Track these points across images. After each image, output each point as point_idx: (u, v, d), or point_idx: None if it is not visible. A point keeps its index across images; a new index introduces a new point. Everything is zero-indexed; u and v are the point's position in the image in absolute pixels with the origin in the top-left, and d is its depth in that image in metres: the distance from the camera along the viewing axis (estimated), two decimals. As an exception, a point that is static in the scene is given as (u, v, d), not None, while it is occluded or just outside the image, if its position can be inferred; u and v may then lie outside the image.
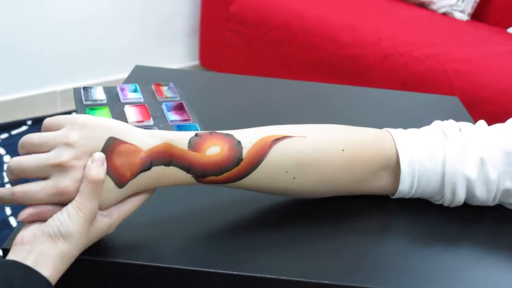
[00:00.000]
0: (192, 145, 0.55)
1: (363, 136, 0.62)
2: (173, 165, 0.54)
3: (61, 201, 0.49)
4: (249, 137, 0.57)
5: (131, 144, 0.52)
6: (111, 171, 0.51)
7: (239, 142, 0.56)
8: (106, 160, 0.50)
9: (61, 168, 0.49)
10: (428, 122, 0.66)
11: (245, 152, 0.56)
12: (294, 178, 0.57)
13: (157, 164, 0.53)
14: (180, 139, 0.55)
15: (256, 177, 0.56)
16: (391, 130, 0.63)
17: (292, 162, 0.57)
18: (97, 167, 0.49)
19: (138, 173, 0.52)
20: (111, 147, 0.51)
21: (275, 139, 0.57)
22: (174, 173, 0.54)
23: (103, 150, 0.51)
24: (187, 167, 0.54)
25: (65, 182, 0.49)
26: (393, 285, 0.54)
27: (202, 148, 0.55)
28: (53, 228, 0.48)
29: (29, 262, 0.46)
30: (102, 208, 0.51)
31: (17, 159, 0.50)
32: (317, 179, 0.58)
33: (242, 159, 0.55)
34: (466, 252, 0.59)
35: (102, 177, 0.49)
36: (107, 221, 0.51)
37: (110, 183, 0.51)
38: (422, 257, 0.57)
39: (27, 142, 0.51)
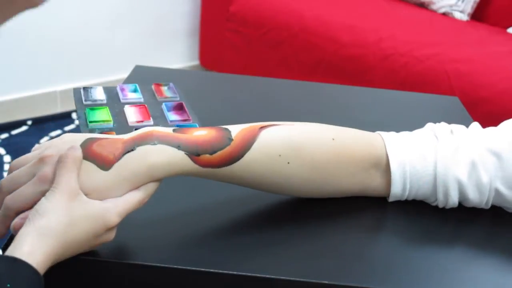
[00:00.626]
0: (176, 131, 0.56)
1: (352, 131, 0.63)
2: (160, 144, 0.54)
3: (45, 191, 0.49)
4: (235, 126, 0.58)
5: (112, 138, 0.54)
6: (92, 157, 0.52)
7: (226, 128, 0.57)
8: (85, 150, 0.52)
9: (42, 161, 0.51)
10: (428, 122, 0.66)
11: (234, 134, 0.56)
12: (288, 163, 0.57)
13: (142, 144, 0.53)
14: (163, 128, 0.56)
15: (250, 159, 0.56)
16: (382, 133, 0.63)
17: (284, 145, 0.57)
18: (69, 149, 0.51)
19: (123, 155, 0.52)
20: (90, 142, 0.53)
21: (263, 126, 0.58)
22: (164, 150, 0.53)
23: (81, 145, 0.52)
24: (176, 144, 0.54)
25: (44, 168, 0.50)
26: (392, 285, 0.54)
27: (187, 132, 0.56)
28: (31, 212, 0.48)
29: (9, 251, 0.45)
30: (92, 193, 0.50)
31: (7, 175, 0.52)
32: (310, 165, 0.58)
33: (232, 139, 0.56)
34: (463, 252, 0.60)
35: (74, 154, 0.50)
36: (98, 204, 0.50)
37: (92, 167, 0.51)
38: (419, 257, 0.57)
39: (18, 160, 0.54)
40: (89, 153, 0.52)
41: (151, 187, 0.53)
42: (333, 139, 0.60)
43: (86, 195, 0.50)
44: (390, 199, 0.63)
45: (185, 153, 0.54)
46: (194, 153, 0.54)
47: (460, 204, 0.62)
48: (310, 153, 0.58)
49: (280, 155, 0.57)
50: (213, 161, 0.55)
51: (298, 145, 0.58)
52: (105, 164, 0.51)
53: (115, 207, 0.51)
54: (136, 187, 0.52)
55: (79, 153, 0.51)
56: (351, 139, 0.61)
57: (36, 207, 0.48)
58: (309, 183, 0.60)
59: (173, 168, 0.54)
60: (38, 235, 0.46)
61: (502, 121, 0.65)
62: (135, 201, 0.52)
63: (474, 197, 0.61)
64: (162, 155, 0.53)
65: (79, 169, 0.50)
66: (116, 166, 0.52)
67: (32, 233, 0.46)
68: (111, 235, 0.52)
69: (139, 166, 0.52)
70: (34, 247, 0.45)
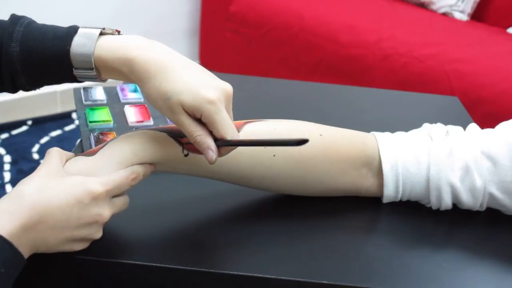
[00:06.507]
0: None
1: (342, 130, 0.63)
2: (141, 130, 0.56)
3: None
4: None
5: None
6: (79, 155, 0.54)
7: None
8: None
9: None
10: (428, 122, 0.66)
11: None
12: (274, 155, 0.58)
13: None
14: None
15: (235, 149, 0.56)
16: (376, 133, 0.63)
17: (269, 137, 0.58)
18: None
19: (106, 143, 0.54)
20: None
21: (248, 121, 0.59)
22: (146, 131, 0.55)
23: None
24: (157, 129, 0.56)
25: None
26: (390, 285, 0.54)
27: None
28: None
29: None
30: (78, 174, 0.51)
31: None
32: (297, 159, 0.58)
33: None
34: (459, 251, 0.60)
35: (60, 149, 0.53)
36: (77, 176, 0.50)
37: (80, 157, 0.54)
38: (416, 257, 0.57)
39: None
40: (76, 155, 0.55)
41: (139, 168, 0.53)
42: (320, 135, 0.60)
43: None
44: (384, 201, 0.63)
45: (167, 134, 0.55)
46: (175, 135, 0.55)
47: (455, 205, 0.62)
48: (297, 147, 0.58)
49: (265, 147, 0.57)
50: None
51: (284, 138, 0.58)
52: (90, 154, 0.54)
53: (98, 177, 0.51)
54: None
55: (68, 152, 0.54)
56: (340, 136, 0.61)
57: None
58: (298, 179, 0.60)
59: (157, 147, 0.54)
60: (8, 200, 0.47)
61: (502, 121, 0.65)
62: (121, 174, 0.52)
63: (468, 201, 0.61)
64: (144, 134, 0.55)
65: (63, 157, 0.52)
66: (101, 151, 0.54)
67: (2, 200, 0.47)
68: (104, 211, 0.50)
69: (124, 146, 0.54)
70: (3, 206, 0.46)
